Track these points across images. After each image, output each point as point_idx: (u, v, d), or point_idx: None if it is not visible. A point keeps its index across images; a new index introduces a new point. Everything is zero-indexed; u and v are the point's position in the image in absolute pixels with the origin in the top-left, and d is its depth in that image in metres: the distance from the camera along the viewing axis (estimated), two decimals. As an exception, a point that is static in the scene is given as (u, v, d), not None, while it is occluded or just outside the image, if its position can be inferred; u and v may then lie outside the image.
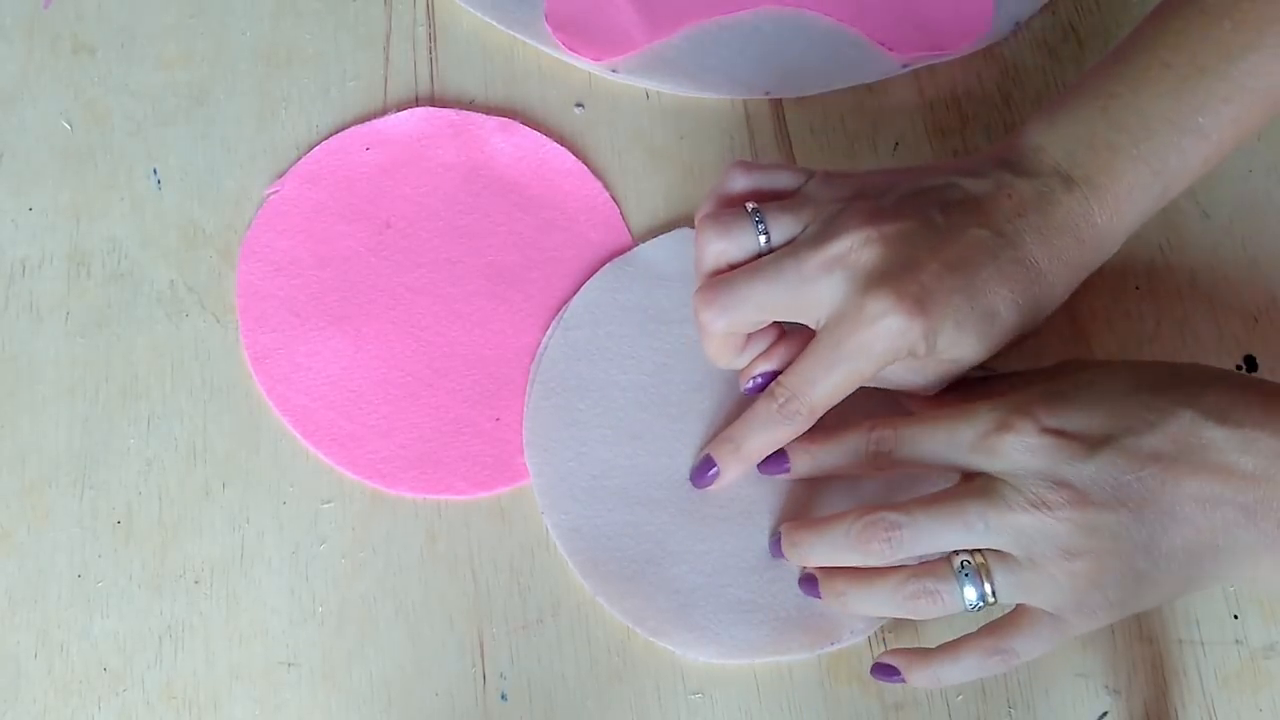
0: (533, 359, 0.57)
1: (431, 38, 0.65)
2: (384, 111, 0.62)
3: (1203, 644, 0.53)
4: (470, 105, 0.63)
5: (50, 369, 0.57)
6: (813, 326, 0.51)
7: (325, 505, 0.55)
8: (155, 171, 0.61)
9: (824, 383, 0.51)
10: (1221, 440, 0.46)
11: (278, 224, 0.60)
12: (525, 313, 0.58)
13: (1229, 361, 0.58)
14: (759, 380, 0.53)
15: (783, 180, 0.53)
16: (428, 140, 0.61)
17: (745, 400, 0.54)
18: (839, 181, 0.53)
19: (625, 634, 0.53)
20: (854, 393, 0.51)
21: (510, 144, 0.61)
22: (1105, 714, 0.52)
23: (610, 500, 0.55)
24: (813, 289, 0.50)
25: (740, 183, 0.53)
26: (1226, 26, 0.52)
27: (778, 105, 0.64)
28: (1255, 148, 0.62)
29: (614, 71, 0.64)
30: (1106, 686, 0.53)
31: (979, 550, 0.48)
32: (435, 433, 0.56)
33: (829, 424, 0.52)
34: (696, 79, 0.64)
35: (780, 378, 0.52)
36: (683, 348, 0.57)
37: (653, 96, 0.64)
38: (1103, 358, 0.58)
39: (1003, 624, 0.49)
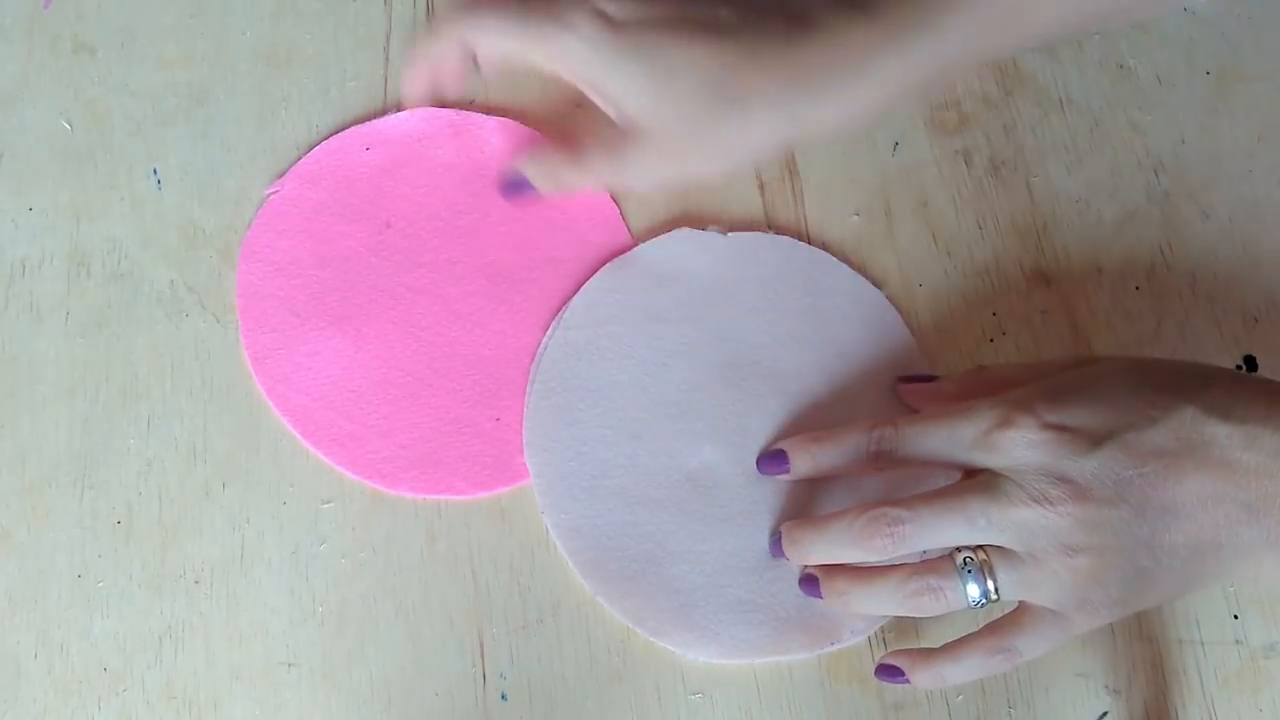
0: (533, 359, 0.57)
1: (431, 38, 0.65)
2: (384, 111, 0.62)
3: (1203, 644, 0.53)
4: (470, 105, 0.63)
5: (50, 369, 0.57)
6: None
7: (325, 505, 0.55)
8: (155, 171, 0.61)
9: None
10: (1224, 437, 0.46)
11: (278, 224, 0.60)
12: (525, 313, 0.58)
13: (1229, 361, 0.58)
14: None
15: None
16: (428, 140, 0.61)
17: (747, 400, 0.54)
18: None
19: (625, 634, 0.53)
20: (854, 393, 0.51)
21: (510, 144, 0.61)
22: (1105, 714, 0.52)
23: (610, 500, 0.55)
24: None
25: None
26: None
27: (778, 106, 0.64)
28: (1255, 148, 0.62)
29: (614, 72, 0.64)
30: (1106, 686, 0.53)
31: (981, 547, 0.48)
32: (435, 433, 0.56)
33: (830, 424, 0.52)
34: (696, 79, 0.64)
35: None
36: (683, 348, 0.57)
37: (653, 97, 0.64)
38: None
39: (1005, 623, 0.49)
